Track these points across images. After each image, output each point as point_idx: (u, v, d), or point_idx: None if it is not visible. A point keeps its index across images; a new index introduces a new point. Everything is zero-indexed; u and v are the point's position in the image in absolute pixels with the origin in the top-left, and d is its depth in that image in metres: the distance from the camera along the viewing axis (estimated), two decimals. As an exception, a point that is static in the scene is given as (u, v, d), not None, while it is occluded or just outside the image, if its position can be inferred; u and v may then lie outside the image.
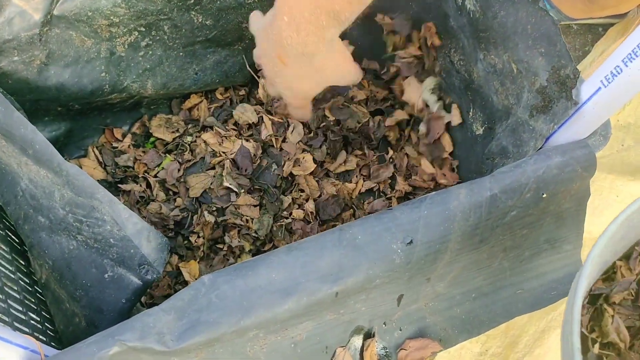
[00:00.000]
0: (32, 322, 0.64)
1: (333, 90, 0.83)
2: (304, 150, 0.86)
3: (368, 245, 0.52)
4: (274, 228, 0.82)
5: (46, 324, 0.69)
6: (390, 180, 0.87)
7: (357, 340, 0.59)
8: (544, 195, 0.58)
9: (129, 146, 0.87)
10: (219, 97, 0.92)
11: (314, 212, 0.83)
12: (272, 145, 0.87)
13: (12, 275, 0.65)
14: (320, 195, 0.85)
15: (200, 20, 0.76)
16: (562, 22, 1.10)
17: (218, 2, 0.75)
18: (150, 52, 0.77)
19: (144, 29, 0.74)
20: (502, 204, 0.56)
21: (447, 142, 0.81)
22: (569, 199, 0.61)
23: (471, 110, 0.73)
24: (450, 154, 0.81)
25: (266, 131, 0.87)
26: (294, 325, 0.53)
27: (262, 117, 0.89)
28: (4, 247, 0.67)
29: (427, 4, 0.74)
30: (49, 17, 0.65)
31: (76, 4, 0.65)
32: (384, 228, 0.53)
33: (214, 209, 0.82)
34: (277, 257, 0.51)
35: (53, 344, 0.67)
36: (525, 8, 0.55)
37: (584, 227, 0.66)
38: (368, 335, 0.60)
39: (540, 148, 0.60)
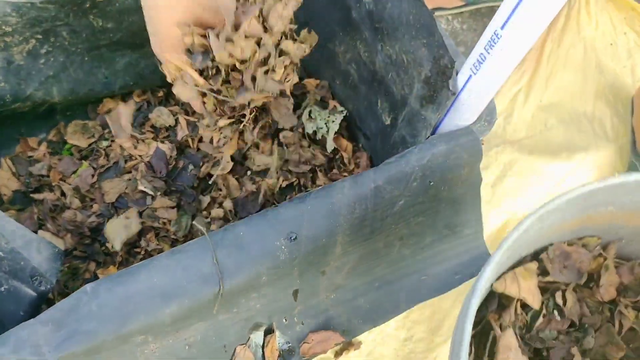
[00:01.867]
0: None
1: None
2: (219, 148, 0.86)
3: (252, 244, 0.52)
4: (193, 228, 0.82)
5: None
6: (311, 175, 0.88)
7: (258, 337, 0.60)
8: (431, 183, 0.59)
9: (44, 154, 0.86)
10: (136, 99, 0.91)
11: (233, 210, 0.83)
12: (189, 146, 0.87)
13: None
14: (240, 193, 0.85)
15: (100, 24, 0.76)
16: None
17: (117, 4, 0.74)
18: (52, 59, 0.76)
19: (41, 37, 0.73)
20: (387, 194, 0.57)
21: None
22: (460, 185, 0.62)
23: (379, 101, 0.73)
24: (363, 146, 0.83)
25: (182, 132, 0.87)
26: (184, 327, 0.54)
27: (178, 117, 0.89)
28: None
29: (331, -4, 0.75)
30: None
31: (-39, 15, 0.64)
32: (268, 225, 0.53)
33: (130, 213, 0.81)
34: (159, 262, 0.51)
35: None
36: (407, -1, 0.56)
37: (481, 211, 0.67)
38: (269, 332, 0.60)
39: (428, 137, 0.61)
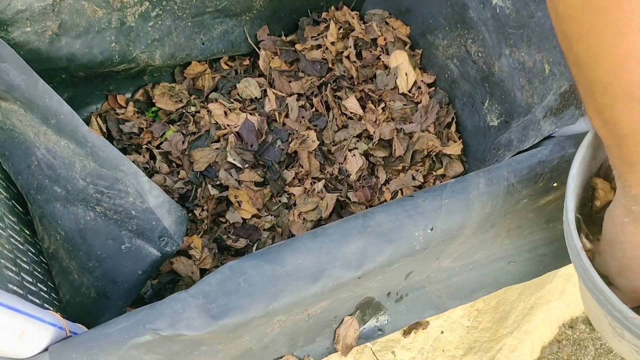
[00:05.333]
0: (42, 292, 0.65)
1: None
2: (307, 128, 0.86)
3: (391, 232, 0.53)
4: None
5: (52, 294, 0.69)
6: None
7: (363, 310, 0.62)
8: (555, 185, 0.60)
9: (133, 114, 0.85)
10: (224, 66, 0.91)
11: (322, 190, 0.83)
12: (275, 120, 0.87)
13: (22, 247, 0.65)
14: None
15: (211, -9, 0.75)
16: None
17: (231, -27, 0.74)
18: (160, 23, 0.76)
19: (155, -1, 0.72)
20: (517, 193, 0.58)
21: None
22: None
23: (487, 101, 0.74)
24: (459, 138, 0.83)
25: (269, 105, 0.87)
26: (313, 304, 0.55)
27: (265, 90, 0.89)
28: (12, 218, 0.66)
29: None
30: (63, -14, 0.63)
31: (90, -28, 0.63)
32: (407, 215, 0.54)
33: (218, 182, 0.82)
34: (303, 244, 0.52)
35: (59, 313, 0.68)
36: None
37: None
38: (375, 304, 0.63)
39: (550, 137, 0.61)
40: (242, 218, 0.80)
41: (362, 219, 0.54)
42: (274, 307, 0.49)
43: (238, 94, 0.89)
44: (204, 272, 0.76)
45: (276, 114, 0.87)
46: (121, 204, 0.59)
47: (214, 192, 0.80)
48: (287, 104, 0.87)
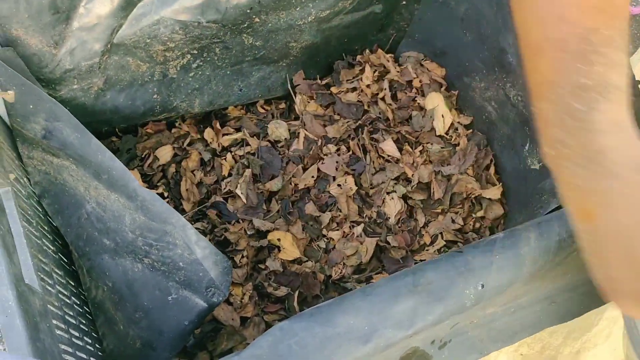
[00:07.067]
0: (87, 346, 0.65)
1: None
2: (345, 173, 0.86)
3: (442, 290, 0.52)
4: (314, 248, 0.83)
5: (96, 344, 0.69)
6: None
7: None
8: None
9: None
10: (261, 110, 0.92)
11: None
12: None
13: (68, 301, 0.66)
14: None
15: (250, 42, 0.76)
16: None
17: (269, 25, 0.75)
18: (200, 73, 0.77)
19: (196, 52, 0.73)
20: (568, 247, 0.57)
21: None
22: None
23: (528, 145, 0.73)
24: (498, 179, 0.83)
25: (296, 145, 0.87)
26: None
27: (297, 131, 0.88)
28: (59, 272, 0.67)
29: (483, 36, 0.74)
30: (108, 46, 0.64)
31: (135, 31, 0.65)
32: (457, 273, 0.53)
33: (256, 228, 0.82)
34: (353, 303, 0.51)
35: (104, 365, 0.68)
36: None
37: None
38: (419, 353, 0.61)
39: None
40: (282, 265, 0.80)
41: (412, 276, 0.53)
42: (329, 369, 0.49)
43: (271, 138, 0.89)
44: (244, 321, 0.76)
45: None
46: (169, 255, 0.59)
47: (252, 234, 0.80)
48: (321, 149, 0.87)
